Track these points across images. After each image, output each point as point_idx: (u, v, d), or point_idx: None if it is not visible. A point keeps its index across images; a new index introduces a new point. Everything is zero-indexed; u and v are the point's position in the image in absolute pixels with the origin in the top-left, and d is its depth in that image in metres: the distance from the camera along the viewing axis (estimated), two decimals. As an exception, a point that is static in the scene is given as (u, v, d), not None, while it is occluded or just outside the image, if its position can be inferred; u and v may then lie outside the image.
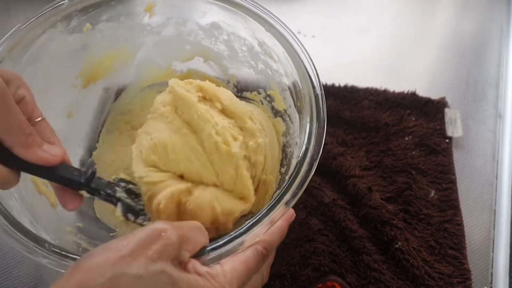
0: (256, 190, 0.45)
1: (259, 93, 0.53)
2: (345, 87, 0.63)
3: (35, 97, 0.36)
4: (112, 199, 0.38)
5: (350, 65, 0.67)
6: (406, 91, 0.63)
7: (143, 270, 0.27)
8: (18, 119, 0.31)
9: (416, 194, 0.54)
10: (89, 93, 0.50)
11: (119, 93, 0.55)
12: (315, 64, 0.42)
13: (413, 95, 0.62)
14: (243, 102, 0.47)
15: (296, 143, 0.44)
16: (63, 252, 0.34)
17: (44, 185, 0.43)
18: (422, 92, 0.63)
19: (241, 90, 0.55)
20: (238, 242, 0.33)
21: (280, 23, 0.44)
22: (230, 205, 0.41)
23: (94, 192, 0.37)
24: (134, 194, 0.40)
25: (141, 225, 0.40)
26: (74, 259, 0.34)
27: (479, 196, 0.56)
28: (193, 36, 0.51)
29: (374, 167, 0.57)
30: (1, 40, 0.41)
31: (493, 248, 0.53)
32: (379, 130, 0.59)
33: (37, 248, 0.34)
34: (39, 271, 0.49)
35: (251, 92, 0.54)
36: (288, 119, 0.49)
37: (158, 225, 0.30)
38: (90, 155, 0.52)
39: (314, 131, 0.39)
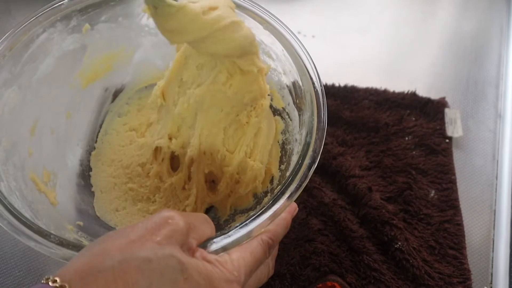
0: (244, 173, 0.46)
1: None
2: (345, 87, 0.63)
3: (35, 97, 0.36)
4: None
5: (350, 65, 0.67)
6: (406, 91, 0.63)
7: (152, 253, 0.27)
8: None
9: (416, 194, 0.54)
10: (87, 93, 0.50)
11: (116, 94, 0.55)
12: (315, 63, 0.42)
13: (413, 95, 0.62)
14: None
15: (296, 139, 0.45)
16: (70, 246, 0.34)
17: (43, 183, 0.43)
18: (422, 92, 0.63)
19: None
20: (244, 233, 0.34)
21: (279, 22, 0.44)
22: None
23: None
24: None
25: None
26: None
27: (479, 196, 0.56)
28: None
29: (374, 167, 0.57)
30: (1, 39, 0.41)
31: (493, 248, 0.53)
32: (379, 130, 0.59)
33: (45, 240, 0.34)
34: (39, 270, 0.49)
35: None
36: (287, 116, 0.49)
37: (165, 212, 0.30)
38: (89, 154, 0.52)
39: (315, 125, 0.39)
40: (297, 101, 0.44)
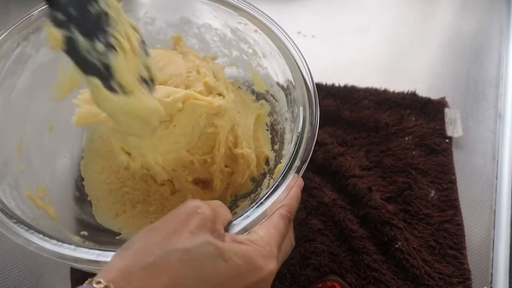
0: (236, 163, 0.48)
1: (236, 80, 0.54)
2: (345, 87, 0.63)
3: (16, 114, 0.35)
4: None
5: (350, 65, 0.67)
6: (406, 91, 0.63)
7: (189, 244, 0.28)
8: None
9: (416, 194, 0.54)
10: (66, 104, 0.48)
11: None
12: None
13: (413, 95, 0.62)
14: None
15: (286, 118, 0.46)
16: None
17: (40, 199, 0.43)
18: (422, 92, 0.63)
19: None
20: (263, 211, 0.35)
21: (251, 7, 0.45)
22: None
23: None
24: None
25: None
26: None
27: (479, 196, 0.56)
28: (163, 35, 0.51)
29: (374, 167, 0.57)
30: None
31: (493, 248, 0.53)
32: (379, 130, 0.59)
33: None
34: (39, 271, 0.49)
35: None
36: (272, 98, 0.50)
37: (192, 202, 0.31)
38: (78, 165, 0.51)
39: (306, 100, 0.40)
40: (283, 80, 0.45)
